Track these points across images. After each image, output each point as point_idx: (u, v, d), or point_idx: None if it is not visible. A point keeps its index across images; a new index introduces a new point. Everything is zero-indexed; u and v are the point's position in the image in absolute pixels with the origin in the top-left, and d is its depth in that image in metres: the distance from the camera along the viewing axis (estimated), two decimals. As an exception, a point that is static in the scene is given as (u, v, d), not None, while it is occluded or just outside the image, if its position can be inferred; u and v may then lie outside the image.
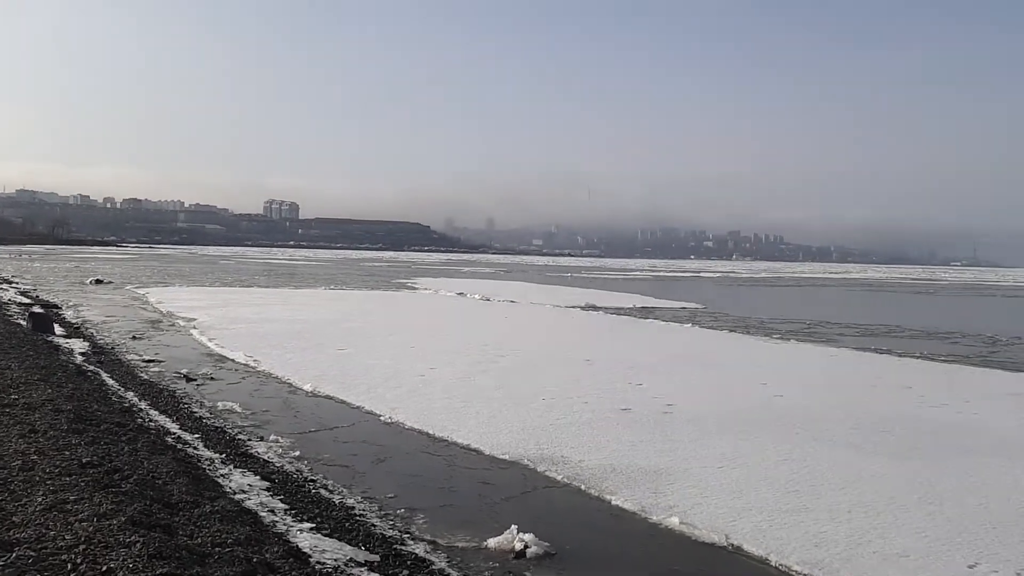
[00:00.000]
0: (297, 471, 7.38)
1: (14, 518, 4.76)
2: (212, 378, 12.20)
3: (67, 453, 6.24)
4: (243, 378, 12.38)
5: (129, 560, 4.16)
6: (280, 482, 6.91)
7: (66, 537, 4.47)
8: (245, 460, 7.56)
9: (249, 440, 8.45)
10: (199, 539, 4.81)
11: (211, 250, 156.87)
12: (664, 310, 30.15)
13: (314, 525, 5.85)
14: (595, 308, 29.81)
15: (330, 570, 4.98)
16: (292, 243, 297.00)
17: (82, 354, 13.30)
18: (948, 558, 5.53)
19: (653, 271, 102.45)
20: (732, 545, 5.81)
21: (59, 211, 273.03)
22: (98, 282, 35.30)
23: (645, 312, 28.58)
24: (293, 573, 4.65)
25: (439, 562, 5.42)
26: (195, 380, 11.91)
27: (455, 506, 6.71)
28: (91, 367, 11.92)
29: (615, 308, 30.16)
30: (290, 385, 11.81)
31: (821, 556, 5.52)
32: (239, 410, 9.92)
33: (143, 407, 9.48)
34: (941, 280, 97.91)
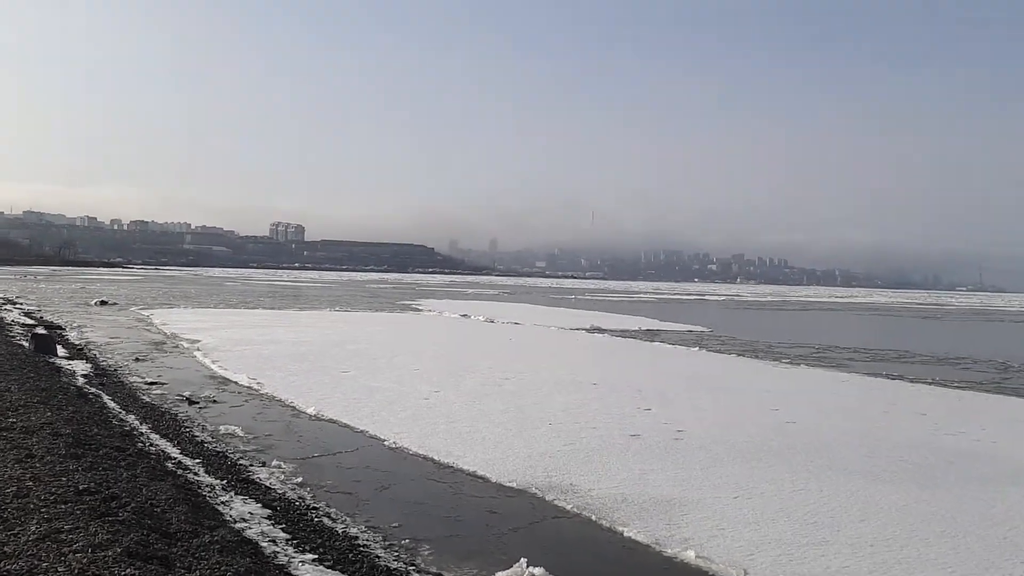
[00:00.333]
0: (299, 498, 7.20)
1: (6, 548, 4.59)
2: (215, 401, 12.04)
3: (64, 479, 6.07)
4: (246, 401, 12.22)
5: (123, 595, 3.98)
6: (282, 510, 6.73)
7: (59, 569, 4.30)
8: (246, 486, 7.39)
9: (251, 465, 8.27)
10: (197, 572, 4.63)
11: (217, 272, 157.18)
12: (670, 333, 29.95)
13: (317, 556, 5.67)
14: (600, 330, 29.60)
15: (333, 605, 4.79)
16: (298, 265, 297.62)
17: (84, 376, 13.16)
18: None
19: (657, 293, 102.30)
20: (750, 580, 5.59)
21: (66, 232, 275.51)
22: (103, 303, 35.23)
23: (651, 335, 28.39)
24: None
25: (446, 596, 5.22)
26: (197, 403, 11.75)
27: (462, 536, 6.52)
28: (92, 389, 11.77)
29: (620, 330, 29.98)
30: (293, 408, 11.64)
31: (844, 592, 5.31)
32: (241, 434, 9.75)
33: (144, 431, 9.32)
34: (948, 305, 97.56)
